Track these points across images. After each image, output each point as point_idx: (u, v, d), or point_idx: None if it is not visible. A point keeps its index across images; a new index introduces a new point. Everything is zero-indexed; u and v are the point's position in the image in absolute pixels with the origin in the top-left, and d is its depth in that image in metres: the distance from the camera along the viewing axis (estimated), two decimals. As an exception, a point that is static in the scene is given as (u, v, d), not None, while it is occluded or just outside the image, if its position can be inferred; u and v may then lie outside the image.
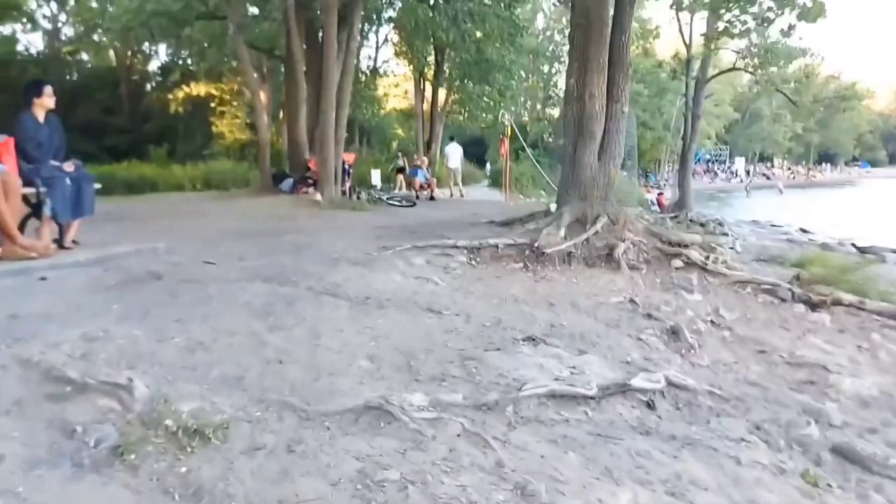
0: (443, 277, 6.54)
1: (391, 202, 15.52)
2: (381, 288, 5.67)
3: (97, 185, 6.34)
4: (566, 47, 37.03)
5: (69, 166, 5.82)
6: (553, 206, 9.03)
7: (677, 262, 7.97)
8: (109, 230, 8.63)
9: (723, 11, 15.02)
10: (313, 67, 16.44)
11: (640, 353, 4.79)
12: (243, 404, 3.22)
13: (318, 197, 14.16)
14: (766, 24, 15.09)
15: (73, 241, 6.01)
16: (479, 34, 21.45)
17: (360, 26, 15.22)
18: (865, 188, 56.92)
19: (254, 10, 20.49)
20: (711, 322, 6.13)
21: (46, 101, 5.83)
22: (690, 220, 18.64)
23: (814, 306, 6.82)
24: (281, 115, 23.70)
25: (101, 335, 3.80)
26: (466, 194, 24.84)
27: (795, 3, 10.68)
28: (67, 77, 36.06)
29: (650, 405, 3.89)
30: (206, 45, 23.55)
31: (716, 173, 64.01)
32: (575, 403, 3.70)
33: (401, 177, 20.58)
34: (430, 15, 19.56)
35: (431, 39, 21.73)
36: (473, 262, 7.44)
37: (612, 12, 8.84)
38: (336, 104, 14.80)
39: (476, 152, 51.68)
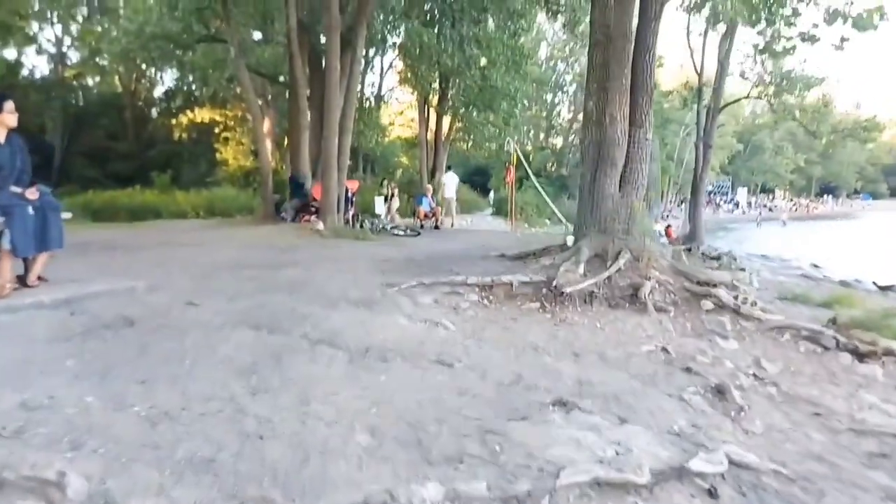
0: (453, 320, 5.83)
1: (395, 232, 14.86)
2: (385, 335, 4.97)
3: (66, 215, 5.58)
4: (569, 76, 36.49)
5: (32, 193, 5.07)
6: (570, 240, 8.35)
7: (707, 304, 7.25)
8: (94, 263, 7.99)
9: (763, 27, 14.19)
10: (316, 93, 15.92)
11: (687, 419, 4.07)
12: (211, 499, 2.52)
13: (321, 226, 13.52)
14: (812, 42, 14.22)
15: (40, 278, 5.29)
16: (484, 61, 20.92)
17: (363, 50, 14.68)
18: (867, 221, 56.13)
19: (257, 35, 20.05)
20: (754, 376, 5.40)
21: (7, 118, 5.04)
22: (703, 254, 17.96)
23: (861, 356, 6.10)
24: (286, 141, 23.18)
25: (45, 402, 3.11)
26: (469, 223, 24.33)
27: (847, 14, 9.81)
28: (73, 102, 35.80)
29: (712, 493, 3.17)
30: (209, 70, 23.09)
31: (717, 205, 63.42)
32: (624, 493, 2.98)
33: (388, 205, 19.75)
34: (436, 40, 19.07)
35: (436, 65, 21.20)
36: (486, 302, 6.74)
37: (635, 28, 8.20)
38: (339, 130, 14.23)
39: (479, 181, 51.25)
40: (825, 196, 76.66)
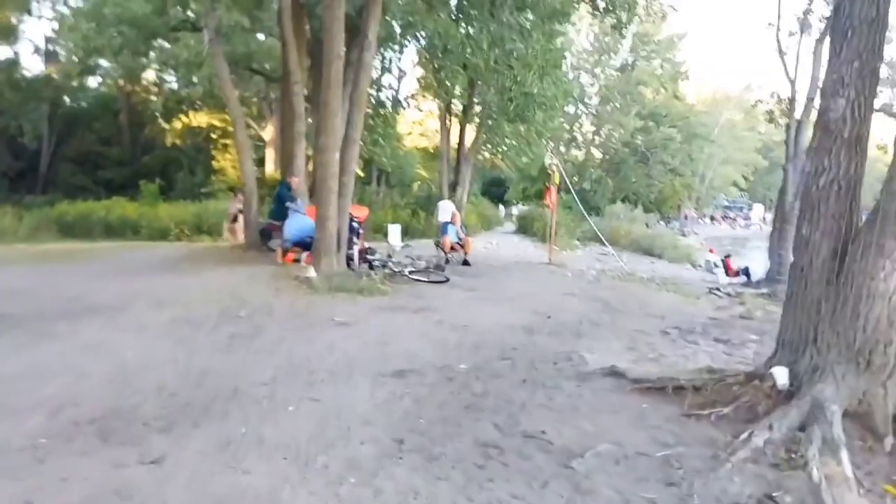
0: None
1: (416, 276, 10.46)
2: None
3: None
4: (594, 87, 31.78)
5: None
6: (780, 376, 3.82)
7: None
8: None
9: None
10: (320, 94, 11.65)
11: None
12: None
13: (312, 272, 9.20)
14: None
15: None
16: (517, 63, 16.52)
17: (377, 32, 10.31)
18: None
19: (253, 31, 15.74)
20: None
21: None
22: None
23: None
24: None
25: None
26: (495, 246, 20.10)
27: None
28: (68, 102, 31.66)
29: None
30: (195, 65, 18.76)
31: (733, 220, 58.82)
32: None
33: (237, 227, 15.15)
34: (467, 37, 14.73)
35: (464, 67, 16.86)
36: None
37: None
38: (343, 141, 9.95)
39: (496, 192, 46.86)
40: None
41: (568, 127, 42.94)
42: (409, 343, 6.01)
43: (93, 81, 32.25)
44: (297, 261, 10.63)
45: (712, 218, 57.19)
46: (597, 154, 45.71)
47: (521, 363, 5.33)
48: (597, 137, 45.16)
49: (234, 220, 15.46)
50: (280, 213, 11.58)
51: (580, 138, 45.81)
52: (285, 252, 11.09)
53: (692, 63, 53.61)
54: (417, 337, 6.31)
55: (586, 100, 44.24)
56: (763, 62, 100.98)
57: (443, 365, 5.23)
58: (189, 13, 14.22)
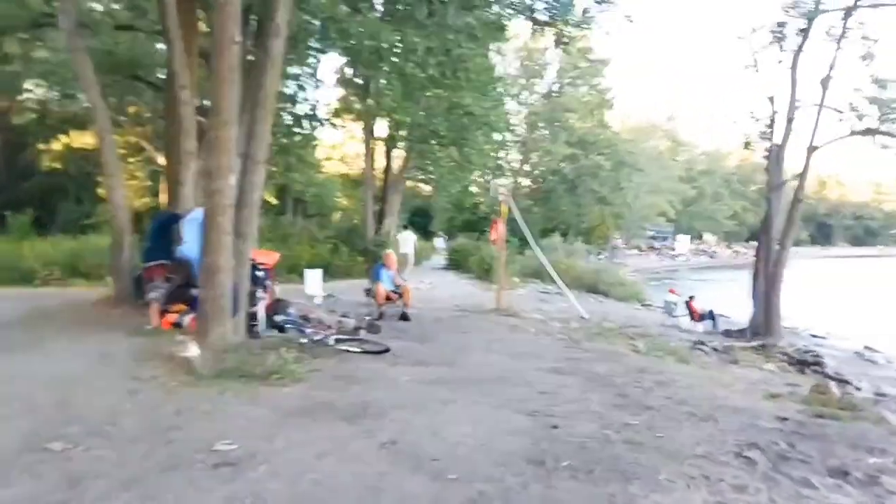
0: None
1: (345, 346, 7.66)
2: None
3: None
4: (522, 115, 30.21)
5: None
6: None
7: None
8: None
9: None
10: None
11: None
12: None
13: (194, 350, 6.26)
14: None
15: None
16: (461, 76, 14.06)
17: (287, 17, 7.52)
18: (804, 269, 51.19)
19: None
20: None
21: None
22: (784, 354, 11.58)
23: None
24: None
25: None
26: (429, 286, 17.65)
27: None
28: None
29: None
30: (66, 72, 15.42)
31: (659, 251, 58.47)
32: None
33: None
34: (402, 42, 12.15)
35: (396, 78, 14.29)
36: None
37: None
38: (243, 163, 7.15)
39: (421, 223, 44.33)
40: (750, 242, 72.93)
41: (494, 154, 41.10)
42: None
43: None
44: (177, 325, 7.69)
45: (639, 248, 56.51)
46: (524, 182, 44.19)
47: None
48: (524, 166, 43.63)
49: None
50: (159, 253, 8.60)
51: (506, 166, 44.19)
52: (163, 312, 8.12)
53: (617, 91, 53.22)
54: (360, 497, 3.55)
55: (512, 127, 42.74)
56: (689, 89, 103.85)
57: None
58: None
